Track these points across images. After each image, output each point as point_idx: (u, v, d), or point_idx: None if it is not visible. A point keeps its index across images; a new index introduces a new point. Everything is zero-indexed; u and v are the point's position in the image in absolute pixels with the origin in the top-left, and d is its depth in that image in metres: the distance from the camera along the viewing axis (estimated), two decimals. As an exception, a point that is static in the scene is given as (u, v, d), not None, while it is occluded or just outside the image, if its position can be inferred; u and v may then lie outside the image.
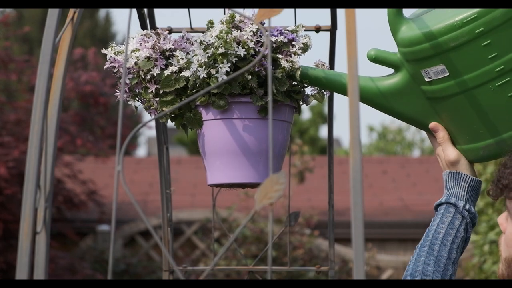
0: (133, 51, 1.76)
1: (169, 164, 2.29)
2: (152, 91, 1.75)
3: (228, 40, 1.69)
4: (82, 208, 7.45)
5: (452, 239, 1.70)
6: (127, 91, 1.78)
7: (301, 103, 1.84)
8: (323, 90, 1.81)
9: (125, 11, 1.28)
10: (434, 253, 1.68)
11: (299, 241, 7.59)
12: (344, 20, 1.14)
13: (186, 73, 1.71)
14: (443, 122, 1.75)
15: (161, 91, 1.74)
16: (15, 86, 7.75)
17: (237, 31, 1.73)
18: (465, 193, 1.73)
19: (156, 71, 1.74)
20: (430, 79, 1.67)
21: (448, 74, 1.65)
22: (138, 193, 8.92)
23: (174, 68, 1.72)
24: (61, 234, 7.38)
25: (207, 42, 1.72)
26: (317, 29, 2.09)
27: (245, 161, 1.75)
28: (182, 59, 1.72)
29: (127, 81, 1.77)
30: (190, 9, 2.11)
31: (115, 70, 1.79)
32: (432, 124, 1.75)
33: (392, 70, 1.75)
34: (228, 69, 1.69)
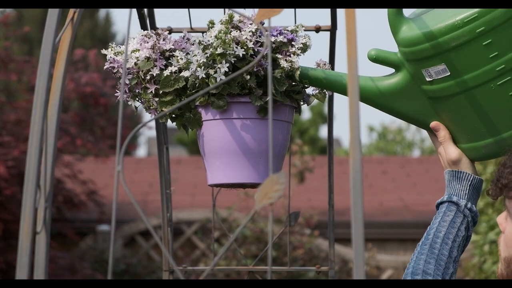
0: (133, 51, 1.76)
1: (169, 164, 2.29)
2: (151, 92, 1.75)
3: (226, 40, 1.69)
4: (82, 208, 7.45)
5: (453, 238, 1.70)
6: (127, 91, 1.79)
7: (302, 103, 1.84)
8: (325, 90, 1.81)
9: (125, 11, 1.28)
10: (435, 251, 1.68)
11: (299, 241, 7.59)
12: (344, 20, 1.14)
13: (185, 74, 1.71)
14: (444, 121, 1.75)
15: (161, 92, 1.74)
16: (15, 86, 7.75)
17: (237, 31, 1.73)
18: (466, 192, 1.74)
19: (155, 72, 1.74)
20: (431, 79, 1.67)
21: (449, 73, 1.65)
22: (138, 193, 8.92)
23: (174, 69, 1.72)
24: (61, 234, 7.38)
25: (206, 43, 1.72)
26: (317, 29, 2.09)
27: (245, 161, 1.75)
28: (182, 59, 1.72)
29: (127, 82, 1.77)
30: (190, 9, 2.11)
31: (115, 71, 1.79)
32: (433, 123, 1.76)
33: (392, 70, 1.75)
34: (227, 69, 1.69)
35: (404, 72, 1.72)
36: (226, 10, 1.82)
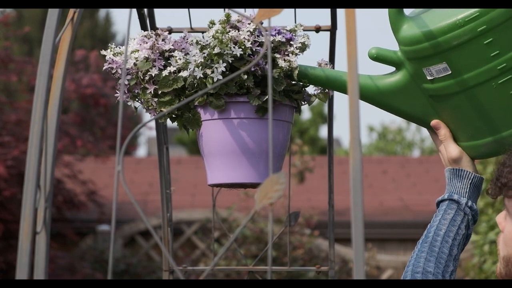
0: (132, 52, 1.76)
1: (169, 164, 2.29)
2: (150, 92, 1.75)
3: (224, 40, 1.69)
4: (82, 209, 7.45)
5: (453, 236, 1.71)
6: (126, 92, 1.79)
7: (304, 103, 1.84)
8: (327, 90, 1.81)
9: (125, 11, 1.28)
10: (436, 249, 1.68)
11: (299, 241, 7.59)
12: (344, 20, 1.14)
13: (183, 74, 1.72)
14: (444, 119, 1.75)
15: (159, 92, 1.74)
16: (15, 86, 7.75)
17: (235, 31, 1.73)
18: (467, 190, 1.74)
19: (154, 72, 1.74)
20: (432, 78, 1.68)
21: (450, 72, 1.65)
22: (138, 193, 8.92)
23: (172, 69, 1.72)
24: (61, 234, 7.39)
25: (203, 42, 1.72)
26: (317, 29, 2.09)
27: (245, 161, 1.75)
28: (180, 59, 1.72)
29: (126, 82, 1.77)
30: (190, 9, 2.11)
31: (113, 71, 1.79)
32: (434, 122, 1.76)
33: (393, 68, 1.75)
34: (224, 69, 1.69)
35: (405, 70, 1.72)
36: (226, 10, 1.82)
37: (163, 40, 1.77)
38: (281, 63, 1.72)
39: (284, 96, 1.75)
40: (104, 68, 1.80)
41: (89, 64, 8.01)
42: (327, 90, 1.82)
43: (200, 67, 1.70)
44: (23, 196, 1.13)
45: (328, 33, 2.10)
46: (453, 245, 1.70)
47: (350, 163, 1.05)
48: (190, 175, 9.69)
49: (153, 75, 1.74)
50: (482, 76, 1.64)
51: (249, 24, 1.74)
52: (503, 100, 1.66)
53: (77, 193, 7.53)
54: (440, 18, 1.64)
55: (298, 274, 7.22)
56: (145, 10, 2.06)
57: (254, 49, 1.73)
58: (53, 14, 1.22)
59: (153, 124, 3.15)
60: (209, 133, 1.77)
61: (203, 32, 1.80)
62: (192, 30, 2.14)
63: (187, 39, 1.78)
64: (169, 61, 1.75)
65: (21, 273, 1.09)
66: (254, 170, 1.76)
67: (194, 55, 1.71)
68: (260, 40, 1.74)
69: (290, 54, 1.74)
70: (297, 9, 2.01)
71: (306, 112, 17.99)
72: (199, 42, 1.72)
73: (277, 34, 1.76)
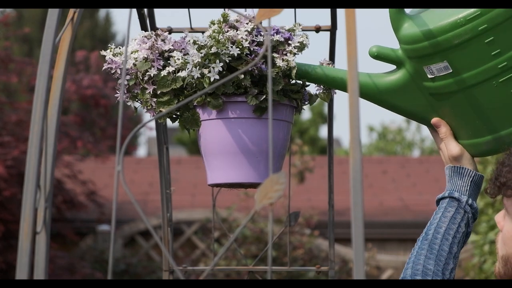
0: (132, 52, 1.77)
1: (169, 164, 2.29)
2: (149, 92, 1.75)
3: (221, 39, 1.69)
4: (82, 209, 7.46)
5: (453, 234, 1.71)
6: (126, 92, 1.79)
7: (306, 102, 1.84)
8: (330, 89, 1.82)
9: (125, 11, 1.28)
10: (436, 247, 1.69)
11: (299, 241, 7.59)
12: (344, 20, 1.14)
13: (182, 74, 1.72)
14: (445, 117, 1.75)
15: (158, 92, 1.74)
16: (15, 87, 7.75)
17: (234, 30, 1.73)
18: (468, 188, 1.74)
19: (153, 72, 1.74)
20: (432, 76, 1.68)
21: (451, 71, 1.66)
22: (138, 193, 8.92)
23: (171, 69, 1.72)
24: (61, 234, 7.39)
25: (201, 42, 1.72)
26: (317, 29, 2.09)
27: (245, 160, 1.75)
28: (179, 59, 1.72)
29: (126, 82, 1.77)
30: (190, 9, 2.11)
31: (112, 72, 1.79)
32: (434, 120, 1.76)
33: (394, 67, 1.75)
34: (221, 69, 1.70)
35: (406, 69, 1.72)
36: (226, 10, 1.82)
37: (163, 40, 1.77)
38: (279, 62, 1.72)
39: (283, 96, 1.75)
40: (103, 68, 1.80)
41: (89, 65, 8.02)
42: (329, 89, 1.82)
43: (198, 67, 1.70)
44: (23, 196, 1.13)
45: (328, 33, 2.10)
46: (453, 243, 1.70)
47: (350, 163, 1.05)
48: (190, 175, 9.69)
49: (152, 75, 1.74)
50: (482, 75, 1.65)
51: (247, 23, 1.74)
52: (504, 99, 1.67)
53: (77, 193, 7.53)
54: (441, 17, 1.64)
55: (298, 274, 7.22)
56: (145, 10, 2.06)
57: (252, 49, 1.73)
58: (53, 14, 1.22)
59: (153, 124, 3.15)
60: (208, 133, 1.77)
61: (203, 32, 1.80)
62: (192, 30, 2.14)
63: (187, 39, 1.78)
64: (168, 62, 1.75)
65: (21, 273, 1.09)
66: (254, 170, 1.76)
67: (192, 55, 1.71)
68: (258, 40, 1.74)
69: (288, 54, 1.74)
70: (297, 9, 2.01)
71: (306, 112, 17.99)
72: (197, 42, 1.72)
73: (275, 34, 1.76)
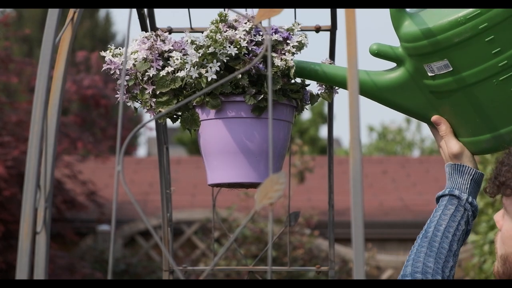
0: (132, 52, 1.77)
1: (169, 164, 2.29)
2: (149, 92, 1.75)
3: (218, 39, 1.69)
4: (82, 209, 7.46)
5: (453, 232, 1.71)
6: (125, 92, 1.79)
7: (307, 102, 1.84)
8: (332, 89, 1.82)
9: (125, 11, 1.28)
10: (436, 244, 1.69)
11: (299, 241, 7.59)
12: (344, 20, 1.14)
13: (180, 74, 1.72)
14: (445, 115, 1.75)
15: (158, 92, 1.74)
16: (15, 87, 7.75)
17: (232, 30, 1.73)
18: (468, 186, 1.74)
19: (152, 72, 1.74)
20: (433, 74, 1.68)
21: (451, 69, 1.66)
22: (138, 193, 8.92)
23: (170, 69, 1.72)
24: (60, 234, 7.39)
25: (200, 42, 1.72)
26: (317, 29, 2.09)
27: (245, 160, 1.75)
28: (178, 59, 1.72)
29: (125, 83, 1.77)
30: (190, 9, 2.11)
31: (112, 72, 1.79)
32: (435, 117, 1.76)
33: (394, 64, 1.76)
34: (218, 69, 1.70)
35: (406, 66, 1.72)
36: (226, 10, 1.82)
37: (162, 41, 1.77)
38: (277, 62, 1.72)
39: (282, 95, 1.75)
40: (103, 69, 1.80)
41: (90, 66, 8.02)
42: (331, 89, 1.82)
43: (196, 67, 1.70)
44: (23, 196, 1.13)
45: (328, 33, 2.10)
46: (453, 240, 1.71)
47: (350, 163, 1.05)
48: (190, 175, 9.69)
49: (151, 75, 1.74)
50: (483, 73, 1.65)
51: (245, 23, 1.74)
52: (504, 97, 1.67)
53: (77, 193, 7.53)
54: (442, 15, 1.64)
55: (298, 274, 7.22)
56: (145, 10, 2.06)
57: (250, 49, 1.73)
58: (53, 14, 1.22)
59: (153, 124, 3.15)
60: (208, 132, 1.77)
61: (203, 32, 1.80)
62: (192, 30, 2.14)
63: (185, 39, 1.78)
64: (168, 62, 1.75)
65: (21, 273, 1.09)
66: (254, 170, 1.76)
67: (190, 55, 1.71)
68: (256, 40, 1.74)
69: (286, 53, 1.74)
70: (297, 9, 2.01)
71: (306, 112, 17.97)
72: (195, 42, 1.72)
73: (274, 33, 1.76)
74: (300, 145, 8.57)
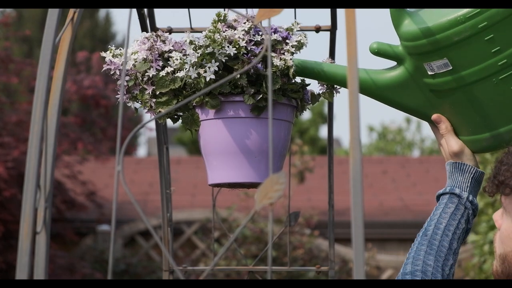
0: (132, 53, 1.77)
1: (169, 164, 2.29)
2: (149, 93, 1.76)
3: (217, 39, 1.69)
4: (82, 209, 7.46)
5: (453, 230, 1.71)
6: (125, 93, 1.79)
7: (308, 102, 1.84)
8: (333, 88, 1.82)
9: (125, 11, 1.28)
10: (436, 242, 1.69)
11: (299, 241, 7.59)
12: (344, 20, 1.14)
13: (180, 74, 1.72)
14: (445, 113, 1.76)
15: (157, 92, 1.74)
16: (15, 87, 7.75)
17: (231, 30, 1.73)
18: (468, 184, 1.75)
19: (151, 73, 1.74)
20: (433, 73, 1.68)
21: (451, 68, 1.66)
22: (138, 193, 8.92)
23: (169, 69, 1.73)
24: (60, 234, 7.39)
25: (198, 42, 1.72)
26: (317, 29, 2.09)
27: (245, 160, 1.75)
28: (177, 59, 1.72)
29: (125, 83, 1.77)
30: (190, 9, 2.11)
31: (111, 73, 1.79)
32: (435, 116, 1.76)
33: (394, 63, 1.76)
34: (216, 69, 1.70)
35: (406, 65, 1.72)
36: (226, 10, 1.82)
37: (163, 41, 1.77)
38: (276, 62, 1.72)
39: (281, 95, 1.75)
40: (103, 69, 1.80)
41: (90, 66, 8.03)
42: (332, 88, 1.82)
43: (194, 67, 1.70)
44: (23, 196, 1.13)
45: (328, 33, 2.10)
46: (453, 239, 1.71)
47: (350, 163, 1.05)
48: (190, 175, 9.69)
49: (151, 75, 1.74)
50: (482, 72, 1.65)
51: (244, 23, 1.74)
52: (503, 96, 1.67)
53: (77, 193, 7.54)
54: (441, 14, 1.64)
55: (298, 274, 7.22)
56: (145, 10, 2.06)
57: (249, 48, 1.73)
58: (53, 14, 1.22)
59: (153, 125, 3.15)
60: (208, 133, 1.77)
61: (202, 32, 1.80)
62: (193, 30, 2.14)
63: (184, 39, 1.78)
64: (168, 62, 1.75)
65: (21, 273, 1.09)
66: (254, 170, 1.76)
67: (189, 55, 1.71)
68: (255, 39, 1.74)
69: (285, 53, 1.74)
70: (297, 9, 2.01)
71: (306, 112, 17.96)
72: (193, 42, 1.72)
73: (273, 33, 1.76)
74: (300, 145, 8.57)
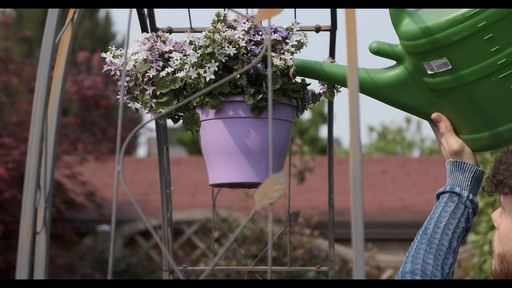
0: (132, 54, 1.77)
1: (169, 164, 2.29)
2: (149, 93, 1.76)
3: (217, 39, 1.70)
4: (82, 210, 7.47)
5: (453, 229, 1.71)
6: (126, 93, 1.79)
7: (309, 101, 1.84)
8: (334, 88, 1.82)
9: (125, 11, 1.28)
10: (435, 241, 1.69)
11: (299, 241, 7.59)
12: (344, 20, 1.14)
13: (180, 74, 1.72)
14: (445, 112, 1.76)
15: (158, 93, 1.74)
16: (15, 87, 7.76)
17: (231, 30, 1.73)
18: (468, 183, 1.75)
19: (152, 73, 1.74)
20: (432, 72, 1.68)
21: (450, 67, 1.66)
22: (138, 193, 8.92)
23: (170, 70, 1.73)
24: (60, 234, 7.39)
25: (198, 42, 1.72)
26: (317, 29, 2.09)
27: (245, 160, 1.75)
28: (177, 60, 1.72)
29: (125, 84, 1.77)
30: (190, 9, 2.11)
31: (112, 73, 1.79)
32: (435, 115, 1.76)
33: (394, 62, 1.76)
34: (216, 69, 1.70)
35: (405, 64, 1.73)
36: (226, 10, 1.82)
37: (163, 41, 1.77)
38: (276, 61, 1.72)
39: (281, 95, 1.75)
40: (103, 70, 1.80)
41: (91, 67, 8.03)
42: (333, 88, 1.82)
43: (194, 67, 1.70)
44: (23, 196, 1.13)
45: (328, 33, 2.10)
46: (453, 237, 1.71)
47: (350, 163, 1.05)
48: (190, 175, 9.69)
49: (151, 76, 1.74)
50: (482, 71, 1.65)
51: (244, 23, 1.74)
52: (503, 95, 1.67)
53: (77, 194, 7.54)
54: (441, 14, 1.64)
55: (298, 274, 7.22)
56: (145, 10, 2.06)
57: (249, 48, 1.73)
58: (53, 14, 1.22)
59: (153, 125, 3.15)
60: (208, 133, 1.77)
61: (202, 32, 1.80)
62: (193, 30, 2.14)
63: (183, 40, 1.78)
64: (169, 62, 1.75)
65: (21, 273, 1.09)
66: (255, 170, 1.76)
67: (189, 55, 1.71)
68: (255, 39, 1.74)
69: (285, 53, 1.74)
70: (297, 9, 2.01)
71: (306, 112, 17.98)
72: (193, 42, 1.72)
73: (273, 33, 1.76)
74: (300, 145, 8.57)
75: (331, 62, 1.82)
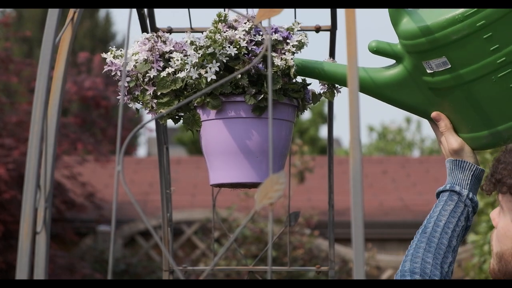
0: (133, 54, 1.77)
1: (169, 164, 2.29)
2: (150, 93, 1.76)
3: (218, 39, 1.70)
4: (82, 210, 7.47)
5: (453, 227, 1.71)
6: (126, 93, 1.79)
7: (309, 101, 1.84)
8: (334, 88, 1.82)
9: (125, 11, 1.28)
10: (435, 240, 1.69)
11: (299, 241, 7.59)
12: (344, 20, 1.14)
13: (181, 75, 1.72)
14: (445, 111, 1.76)
15: (158, 93, 1.75)
16: (15, 87, 7.76)
17: (232, 30, 1.73)
18: (468, 182, 1.75)
19: (152, 73, 1.74)
20: (432, 71, 1.68)
21: (450, 66, 1.66)
22: (138, 193, 8.92)
23: (170, 70, 1.73)
24: (60, 234, 7.39)
25: (199, 43, 1.72)
26: (317, 29, 2.09)
27: (246, 161, 1.75)
28: (178, 60, 1.72)
29: (126, 84, 1.77)
30: (190, 9, 2.11)
31: (112, 74, 1.79)
32: (434, 114, 1.77)
33: (393, 61, 1.76)
34: (217, 69, 1.70)
35: (405, 63, 1.73)
36: (226, 10, 1.82)
37: (163, 41, 1.77)
38: (277, 61, 1.72)
39: (282, 95, 1.75)
40: (103, 70, 1.80)
41: (92, 67, 8.03)
42: (333, 88, 1.82)
43: (195, 68, 1.70)
44: (23, 196, 1.13)
45: (328, 33, 2.10)
46: (453, 236, 1.71)
47: (350, 163, 1.05)
48: (190, 175, 9.69)
49: (152, 76, 1.74)
50: (481, 70, 1.65)
51: (245, 23, 1.74)
52: (502, 94, 1.67)
53: (77, 195, 7.54)
54: (440, 13, 1.65)
55: (298, 274, 7.22)
56: (145, 10, 2.06)
57: (250, 48, 1.73)
58: (53, 14, 1.22)
59: (153, 125, 3.15)
60: (209, 133, 1.77)
61: (203, 32, 1.80)
62: (193, 30, 2.14)
63: (184, 40, 1.78)
64: (169, 63, 1.75)
65: (21, 273, 1.09)
66: (256, 170, 1.76)
67: (190, 56, 1.71)
68: (256, 39, 1.74)
69: (286, 53, 1.74)
70: (297, 9, 2.01)
71: (306, 112, 17.97)
72: (194, 42, 1.72)
73: (274, 33, 1.76)
74: (300, 145, 8.57)
75: (332, 62, 1.82)
